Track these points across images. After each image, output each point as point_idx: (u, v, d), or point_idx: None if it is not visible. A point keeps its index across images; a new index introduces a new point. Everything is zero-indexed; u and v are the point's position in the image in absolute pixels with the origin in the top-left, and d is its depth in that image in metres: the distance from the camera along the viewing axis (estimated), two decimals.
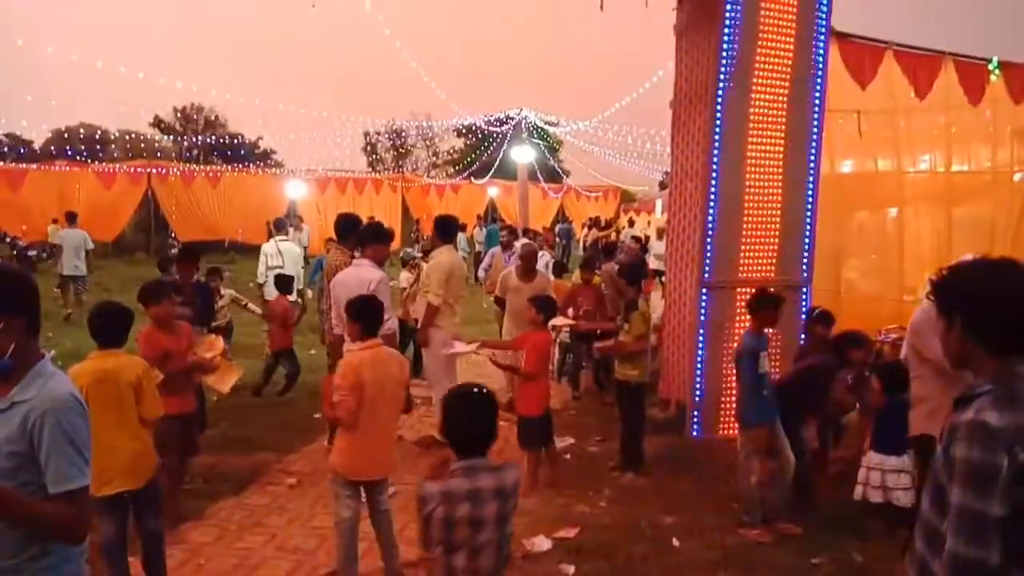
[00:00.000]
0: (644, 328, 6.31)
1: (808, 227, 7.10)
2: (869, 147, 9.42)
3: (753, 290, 5.86)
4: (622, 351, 6.40)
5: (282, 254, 10.96)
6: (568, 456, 6.81)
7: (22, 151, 38.45)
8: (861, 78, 8.03)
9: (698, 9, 7.13)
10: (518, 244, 10.37)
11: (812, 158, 7.05)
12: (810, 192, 7.08)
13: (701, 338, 6.82)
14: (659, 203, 34.39)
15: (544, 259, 11.81)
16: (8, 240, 23.41)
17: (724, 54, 6.62)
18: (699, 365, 6.84)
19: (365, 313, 4.42)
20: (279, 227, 12.14)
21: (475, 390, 3.00)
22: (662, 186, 34.64)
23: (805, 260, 7.11)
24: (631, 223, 30.58)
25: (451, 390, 3.17)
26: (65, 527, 2.03)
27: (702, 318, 6.82)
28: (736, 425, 5.82)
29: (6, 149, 38.52)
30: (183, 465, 5.42)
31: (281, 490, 5.94)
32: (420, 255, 10.19)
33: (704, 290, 6.82)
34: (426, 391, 7.95)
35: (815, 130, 7.03)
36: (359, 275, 6.04)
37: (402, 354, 5.43)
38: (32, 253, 22.56)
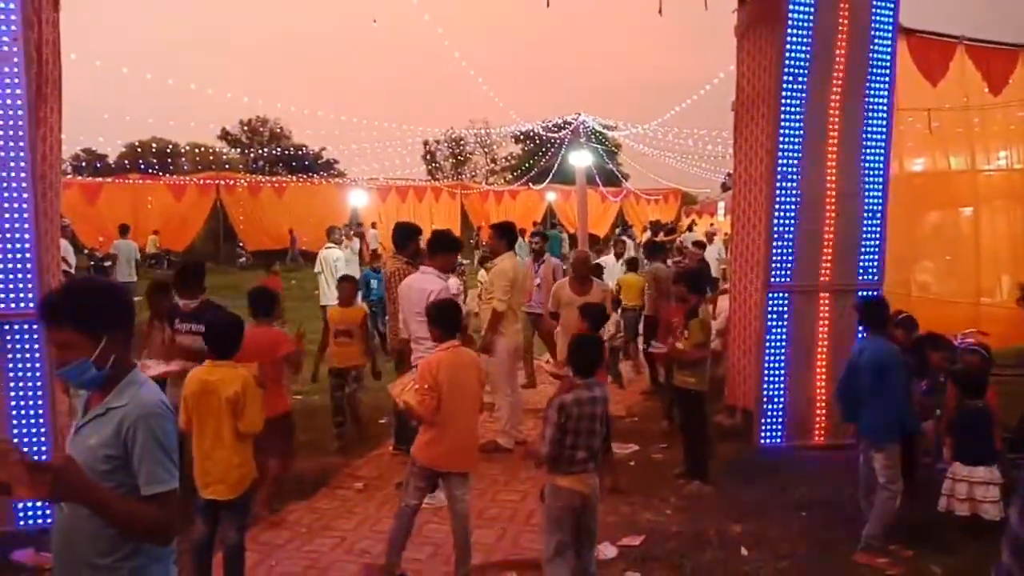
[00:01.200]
0: (703, 336, 6.22)
1: (878, 228, 6.92)
2: (941, 145, 9.15)
3: (829, 294, 5.73)
4: (680, 358, 6.31)
5: (321, 261, 11.57)
6: (632, 463, 6.76)
7: (98, 165, 40.03)
8: (931, 75, 7.82)
9: (759, 10, 7.03)
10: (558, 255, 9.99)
11: (881, 158, 6.86)
12: (879, 193, 6.89)
13: (767, 344, 6.71)
14: (721, 205, 33.92)
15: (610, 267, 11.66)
16: (86, 252, 24.43)
17: (787, 55, 6.51)
18: (765, 371, 6.72)
19: (443, 316, 4.64)
20: (329, 234, 12.47)
21: (592, 336, 4.89)
22: (724, 188, 34.13)
23: (875, 262, 6.93)
24: (691, 227, 30.17)
25: (577, 336, 4.60)
26: (155, 527, 2.12)
27: (768, 323, 6.70)
28: (815, 434, 5.65)
29: (83, 164, 40.17)
30: (284, 464, 5.69)
31: (349, 494, 6.05)
32: (466, 263, 10.39)
33: (769, 294, 6.70)
34: (488, 396, 8.02)
35: (884, 129, 6.84)
36: (422, 283, 6.13)
37: None
38: (108, 264, 23.55)
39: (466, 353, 4.70)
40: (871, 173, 6.83)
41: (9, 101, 4.54)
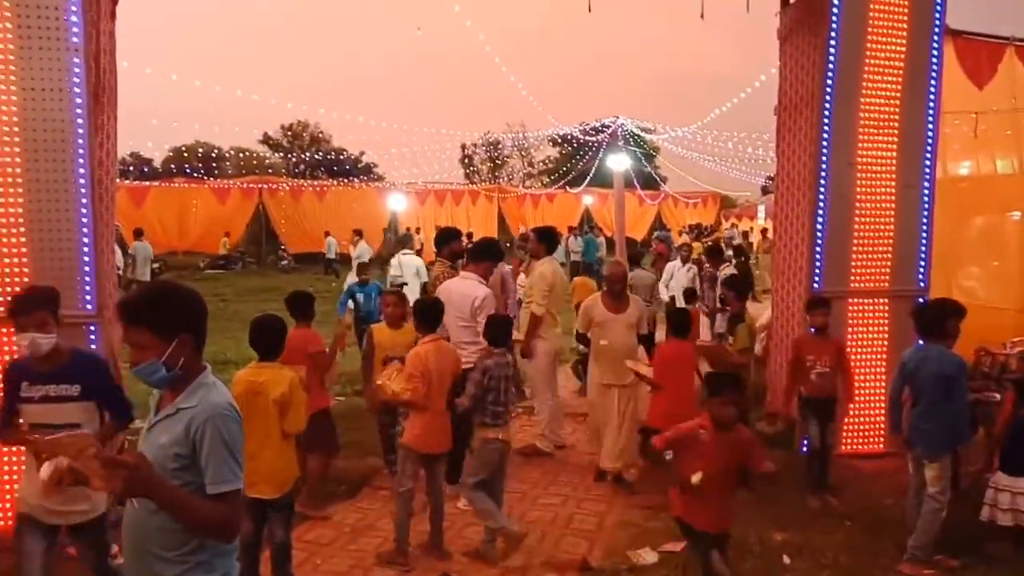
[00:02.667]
0: (750, 341, 6.20)
1: (924, 233, 6.83)
2: (987, 148, 8.97)
3: (872, 300, 5.65)
4: (724, 359, 6.30)
5: (402, 267, 11.20)
6: (668, 456, 6.73)
7: (144, 170, 40.99)
8: (978, 78, 7.68)
9: (803, 12, 6.98)
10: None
11: (927, 161, 6.78)
12: (926, 197, 6.80)
13: None
14: (762, 209, 33.56)
15: (675, 271, 11.05)
16: (131, 253, 25.01)
17: (831, 57, 6.46)
18: None
19: (427, 313, 5.18)
20: (403, 241, 12.35)
21: (503, 317, 5.53)
22: (764, 191, 33.78)
23: (922, 268, 6.84)
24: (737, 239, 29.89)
25: (490, 318, 5.32)
26: (219, 525, 2.22)
27: (812, 330, 6.64)
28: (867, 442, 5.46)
29: (130, 168, 41.16)
30: (324, 461, 5.81)
31: (392, 495, 6.13)
32: (508, 268, 10.30)
33: None
34: (527, 400, 8.06)
35: (930, 132, 6.76)
36: (463, 288, 6.18)
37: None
38: (156, 266, 24.16)
39: (445, 345, 5.25)
40: (919, 177, 6.75)
41: (69, 109, 4.71)
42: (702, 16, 6.94)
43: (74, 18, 4.66)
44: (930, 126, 6.74)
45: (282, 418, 4.20)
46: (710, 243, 15.46)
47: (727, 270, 10.09)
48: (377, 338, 6.01)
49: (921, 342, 5.05)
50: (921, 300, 6.78)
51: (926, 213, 6.80)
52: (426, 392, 4.89)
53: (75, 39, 4.68)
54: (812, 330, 5.99)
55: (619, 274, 6.69)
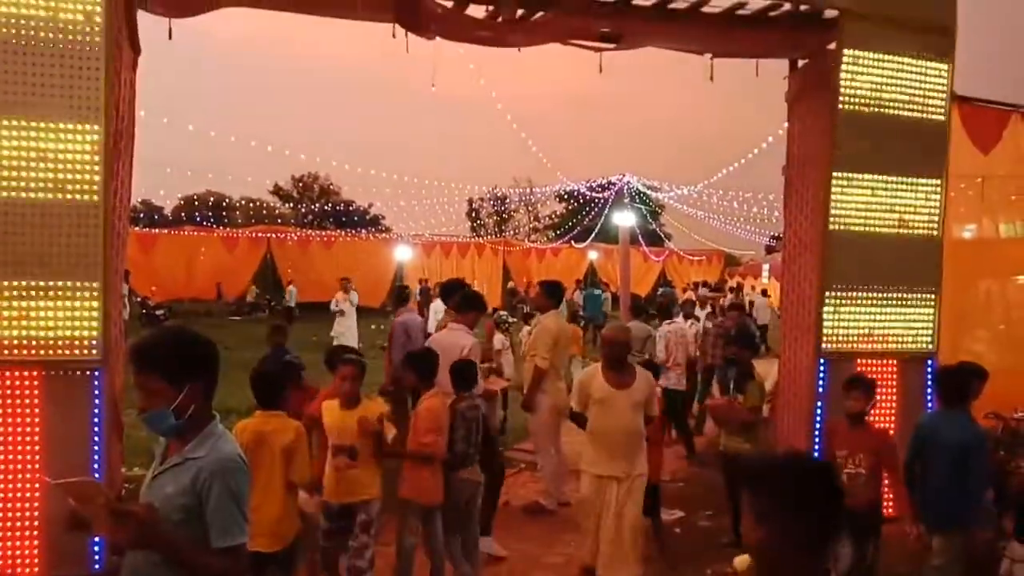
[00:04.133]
0: (760, 398, 6.13)
1: (933, 295, 6.83)
2: (992, 211, 9.01)
3: (876, 361, 5.59)
4: (733, 416, 6.21)
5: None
6: (678, 530, 6.63)
7: (155, 217, 41.40)
8: (984, 143, 7.75)
9: (810, 77, 7.09)
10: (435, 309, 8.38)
11: (936, 225, 6.82)
12: (934, 258, 6.83)
13: (819, 410, 6.58)
14: (766, 268, 33.63)
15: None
16: (139, 300, 25.13)
17: (840, 120, 6.53)
18: (817, 438, 6.58)
19: (423, 365, 5.19)
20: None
21: (466, 363, 5.54)
22: (769, 251, 33.88)
23: (931, 328, 6.82)
24: (733, 289, 29.95)
25: (454, 363, 5.37)
26: None
27: (820, 389, 6.59)
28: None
29: (140, 215, 41.56)
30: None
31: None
32: (513, 320, 10.31)
33: (822, 360, 6.61)
34: (531, 456, 7.96)
35: (937, 195, 6.81)
36: (452, 339, 6.21)
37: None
38: (160, 312, 24.23)
39: (445, 398, 5.22)
40: (924, 241, 6.78)
41: (89, 155, 4.77)
42: (711, 79, 7.04)
43: (98, 69, 4.74)
44: (937, 189, 6.80)
45: (287, 468, 4.14)
46: (732, 301, 15.68)
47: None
48: (327, 420, 4.75)
49: (936, 406, 4.89)
50: (929, 362, 6.75)
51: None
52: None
53: (97, 88, 4.77)
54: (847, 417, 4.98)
55: (618, 339, 5.37)
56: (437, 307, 12.06)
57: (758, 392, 6.09)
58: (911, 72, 6.64)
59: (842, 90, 6.45)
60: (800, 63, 7.24)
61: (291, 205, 48.63)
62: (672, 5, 6.29)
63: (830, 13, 6.51)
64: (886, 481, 5.10)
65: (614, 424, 5.20)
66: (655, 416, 5.50)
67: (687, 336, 9.90)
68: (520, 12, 6.15)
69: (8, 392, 4.69)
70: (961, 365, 5.12)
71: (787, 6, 6.50)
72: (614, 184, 31.97)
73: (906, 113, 6.64)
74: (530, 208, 54.28)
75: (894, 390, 6.72)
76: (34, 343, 4.72)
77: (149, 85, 6.31)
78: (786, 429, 7.33)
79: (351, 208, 44.49)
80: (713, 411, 6.67)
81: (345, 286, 16.06)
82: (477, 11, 6.18)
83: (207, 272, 28.05)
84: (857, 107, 6.50)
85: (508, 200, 50.43)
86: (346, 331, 15.37)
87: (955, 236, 9.04)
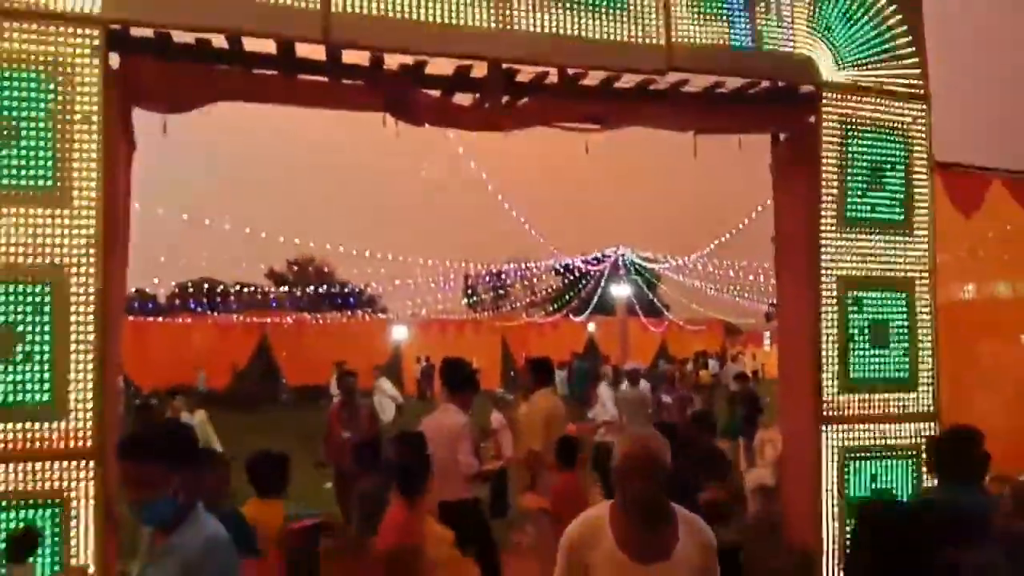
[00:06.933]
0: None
1: (930, 358, 6.84)
2: (986, 273, 9.08)
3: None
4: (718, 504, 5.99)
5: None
6: None
7: (150, 305, 41.48)
8: (965, 207, 7.87)
9: (793, 148, 7.25)
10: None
11: (926, 289, 6.88)
12: (928, 323, 6.86)
13: (825, 478, 6.49)
14: (767, 335, 33.64)
15: None
16: (132, 389, 24.92)
17: (824, 188, 6.65)
18: (825, 506, 6.46)
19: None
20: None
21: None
22: (768, 318, 33.94)
23: (930, 392, 6.79)
24: (735, 358, 29.88)
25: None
26: None
27: (824, 457, 6.51)
28: None
29: (135, 304, 41.65)
30: None
31: None
32: (510, 397, 10.25)
33: (823, 427, 6.55)
34: (528, 537, 7.78)
35: (925, 261, 6.90)
36: (442, 420, 6.15)
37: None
38: (154, 403, 23.91)
39: None
40: (918, 304, 6.83)
41: (84, 248, 4.82)
42: (695, 155, 7.20)
43: (93, 162, 4.85)
44: (925, 255, 6.90)
45: (279, 563, 4.05)
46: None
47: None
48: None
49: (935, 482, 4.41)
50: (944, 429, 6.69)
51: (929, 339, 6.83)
52: None
53: (94, 181, 4.86)
54: None
55: (648, 461, 2.83)
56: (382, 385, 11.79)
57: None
58: (890, 140, 6.80)
59: (824, 161, 6.59)
60: (782, 136, 7.41)
61: (286, 288, 48.84)
62: (653, 87, 6.46)
63: (806, 88, 6.70)
64: None
65: None
66: None
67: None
68: (505, 99, 6.31)
69: None
70: (957, 431, 4.73)
71: (765, 83, 6.69)
72: (608, 257, 32.27)
73: (889, 177, 6.78)
74: (526, 283, 54.57)
75: None
76: None
77: (143, 175, 6.42)
78: (791, 499, 7.23)
79: (346, 290, 44.67)
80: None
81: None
82: (464, 99, 6.35)
83: (202, 360, 27.96)
84: (841, 175, 6.64)
85: (504, 275, 50.73)
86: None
87: (953, 299, 9.09)
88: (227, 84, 5.80)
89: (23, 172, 4.75)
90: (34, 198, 4.76)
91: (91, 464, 4.66)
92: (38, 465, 4.62)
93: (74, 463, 4.67)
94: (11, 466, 4.57)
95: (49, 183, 4.78)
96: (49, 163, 4.79)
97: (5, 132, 4.72)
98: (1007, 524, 5.56)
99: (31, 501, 4.59)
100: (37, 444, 4.62)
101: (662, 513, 2.91)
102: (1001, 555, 4.04)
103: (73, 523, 4.63)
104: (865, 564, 2.14)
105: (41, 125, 4.80)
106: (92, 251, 4.82)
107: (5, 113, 4.75)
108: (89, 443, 4.69)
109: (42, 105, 4.81)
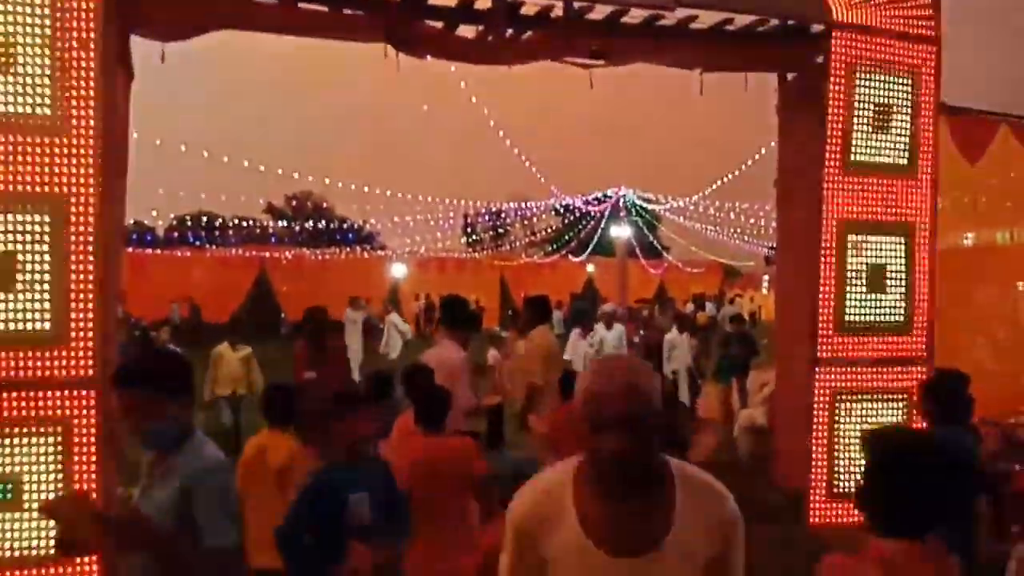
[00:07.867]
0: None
1: (925, 302, 6.88)
2: (988, 220, 9.06)
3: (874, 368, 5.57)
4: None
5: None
6: None
7: (148, 238, 41.39)
8: (971, 153, 7.80)
9: (800, 88, 7.16)
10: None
11: (924, 232, 6.87)
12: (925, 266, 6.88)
13: (816, 418, 6.60)
14: (766, 279, 33.68)
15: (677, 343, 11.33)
16: (132, 321, 25.03)
17: (830, 130, 6.58)
18: (815, 446, 6.59)
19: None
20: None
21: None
22: (768, 261, 33.95)
23: (924, 335, 6.85)
24: (732, 300, 29.98)
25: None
26: None
27: (816, 397, 6.60)
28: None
29: (133, 236, 41.52)
30: None
31: None
32: (505, 335, 10.34)
33: (817, 368, 6.63)
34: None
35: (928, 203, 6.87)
36: (440, 355, 6.23)
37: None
38: (154, 334, 24.04)
39: None
40: (917, 249, 6.83)
41: (83, 176, 4.79)
42: (701, 92, 7.11)
43: (92, 92, 4.78)
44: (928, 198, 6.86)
45: (282, 493, 4.08)
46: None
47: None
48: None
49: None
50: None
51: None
52: None
53: (92, 109, 4.80)
54: None
55: (619, 406, 1.83)
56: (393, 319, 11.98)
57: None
58: (899, 82, 6.71)
59: (831, 101, 6.50)
60: (789, 76, 7.30)
61: (285, 223, 48.65)
62: (660, 22, 6.33)
63: (817, 27, 6.58)
64: None
65: None
66: None
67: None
68: (509, 32, 6.19)
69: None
70: (948, 373, 4.68)
71: (774, 21, 6.56)
72: (609, 197, 32.09)
73: (896, 120, 6.71)
74: (526, 222, 54.35)
75: None
76: None
77: (141, 106, 6.34)
78: (782, 439, 7.36)
79: (344, 226, 44.51)
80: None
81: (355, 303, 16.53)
82: (467, 31, 6.23)
83: (200, 292, 28.02)
84: (847, 116, 6.56)
85: (504, 215, 50.50)
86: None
87: (953, 245, 9.09)
88: (225, 11, 5.69)
89: (21, 100, 4.69)
90: (32, 126, 4.70)
91: (92, 392, 4.73)
92: (39, 393, 4.69)
93: (75, 391, 4.74)
94: (14, 393, 4.64)
95: (47, 111, 4.73)
96: (47, 91, 4.73)
97: (2, 59, 4.63)
98: (993, 462, 5.73)
99: (33, 428, 4.66)
100: (39, 372, 4.68)
101: (649, 479, 1.92)
102: None
103: (75, 449, 4.72)
104: (890, 486, 2.02)
105: (38, 52, 4.72)
106: (91, 180, 4.78)
107: (1, 40, 4.66)
108: (91, 372, 4.74)
109: (39, 31, 4.72)
